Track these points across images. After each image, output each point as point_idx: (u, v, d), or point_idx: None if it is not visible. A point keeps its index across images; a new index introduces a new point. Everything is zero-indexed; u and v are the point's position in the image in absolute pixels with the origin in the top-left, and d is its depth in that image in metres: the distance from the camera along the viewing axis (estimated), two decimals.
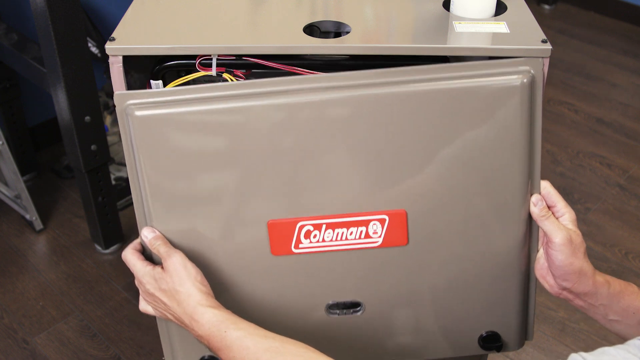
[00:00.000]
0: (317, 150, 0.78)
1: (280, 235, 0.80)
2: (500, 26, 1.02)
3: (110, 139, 2.20)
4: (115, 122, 2.26)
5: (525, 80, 0.76)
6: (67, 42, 1.61)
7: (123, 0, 1.15)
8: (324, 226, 0.80)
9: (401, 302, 0.86)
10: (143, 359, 1.71)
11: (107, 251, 2.01)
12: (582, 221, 2.15)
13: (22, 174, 2.14)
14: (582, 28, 3.27)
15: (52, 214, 2.15)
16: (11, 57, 1.92)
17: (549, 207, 0.82)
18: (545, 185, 0.83)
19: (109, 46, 0.98)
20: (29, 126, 2.26)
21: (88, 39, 2.02)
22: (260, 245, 0.81)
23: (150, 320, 1.79)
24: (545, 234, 0.83)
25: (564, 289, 0.84)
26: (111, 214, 1.95)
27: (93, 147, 1.79)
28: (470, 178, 0.80)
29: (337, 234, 0.80)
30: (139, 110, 0.75)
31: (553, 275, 0.84)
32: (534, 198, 0.82)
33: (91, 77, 1.70)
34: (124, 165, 2.18)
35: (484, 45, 0.99)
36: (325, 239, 0.80)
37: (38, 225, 2.08)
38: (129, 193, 2.10)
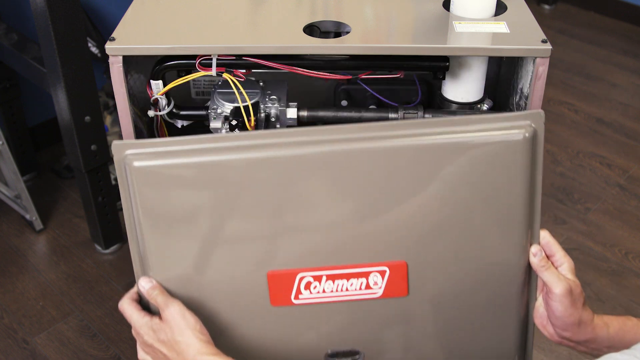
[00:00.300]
0: (316, 201, 0.77)
1: (280, 286, 0.80)
2: (500, 26, 1.02)
3: (110, 139, 2.20)
4: (115, 122, 2.26)
5: (527, 135, 0.76)
6: (67, 42, 1.60)
7: (123, 0, 1.15)
8: (324, 277, 0.80)
9: (400, 349, 0.86)
10: None
11: (107, 251, 2.01)
12: (582, 221, 2.15)
13: (22, 174, 2.14)
14: (582, 28, 3.26)
15: (52, 214, 2.15)
16: (11, 57, 1.92)
17: (547, 257, 0.83)
18: (544, 235, 0.83)
19: (109, 46, 0.98)
20: (29, 126, 2.26)
21: (88, 39, 2.02)
22: (260, 296, 0.80)
23: None
24: (545, 284, 0.83)
25: (564, 337, 0.84)
26: (111, 214, 1.95)
27: (93, 147, 1.79)
28: (470, 230, 0.80)
29: (338, 285, 0.80)
30: (138, 161, 0.74)
31: (553, 324, 0.84)
32: (534, 249, 0.82)
33: (91, 77, 1.70)
34: None
35: (484, 45, 0.99)
36: (326, 289, 0.80)
37: (38, 225, 2.08)
38: None
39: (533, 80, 0.99)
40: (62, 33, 1.59)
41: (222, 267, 0.79)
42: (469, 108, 1.09)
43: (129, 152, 0.75)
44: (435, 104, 1.15)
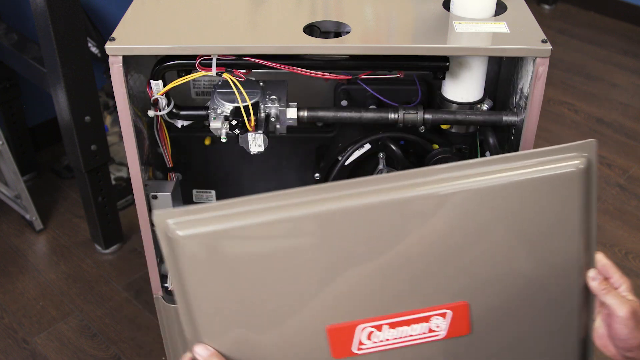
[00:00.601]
0: (374, 252, 0.76)
1: (340, 338, 0.78)
2: (500, 26, 1.02)
3: (110, 139, 2.20)
4: (115, 122, 2.26)
5: (582, 166, 0.77)
6: (67, 42, 1.60)
7: (123, 0, 1.15)
8: (385, 327, 0.79)
9: None
10: (143, 359, 1.71)
11: (107, 251, 2.01)
12: None
13: (22, 174, 2.14)
14: (582, 28, 3.26)
15: (52, 214, 2.15)
16: (11, 57, 1.92)
17: (605, 279, 0.83)
18: (600, 258, 0.83)
19: (109, 46, 0.98)
20: (29, 126, 2.26)
21: (88, 39, 2.02)
22: (320, 350, 0.79)
23: (150, 320, 1.80)
24: (606, 307, 0.82)
25: (629, 358, 0.84)
26: (111, 214, 1.95)
27: (93, 147, 1.79)
28: (529, 262, 0.80)
29: (399, 331, 0.79)
30: (182, 230, 0.71)
31: (616, 346, 0.83)
32: (592, 273, 0.82)
33: (91, 77, 1.70)
34: (124, 165, 2.18)
35: (484, 45, 0.99)
36: (388, 337, 0.79)
37: (38, 225, 2.08)
38: (129, 193, 2.10)
39: (533, 80, 0.99)
40: (62, 33, 1.59)
41: (280, 326, 0.78)
42: (469, 108, 1.09)
43: (171, 221, 0.71)
44: (435, 104, 1.15)
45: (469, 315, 0.80)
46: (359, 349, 0.79)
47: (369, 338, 0.79)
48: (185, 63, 1.03)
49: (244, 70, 1.05)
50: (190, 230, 0.71)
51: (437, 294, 0.79)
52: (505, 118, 1.08)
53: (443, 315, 0.80)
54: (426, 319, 0.80)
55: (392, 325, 0.79)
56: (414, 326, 0.79)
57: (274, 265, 0.75)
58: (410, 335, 0.80)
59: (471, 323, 0.81)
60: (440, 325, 0.80)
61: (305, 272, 0.76)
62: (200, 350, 0.78)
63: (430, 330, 0.80)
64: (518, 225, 0.78)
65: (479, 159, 0.77)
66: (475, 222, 0.77)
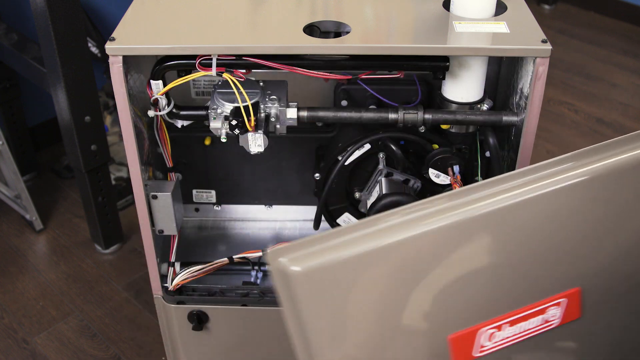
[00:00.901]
0: (493, 254, 0.76)
1: (462, 345, 0.78)
2: (500, 26, 1.02)
3: (110, 139, 2.20)
4: (115, 122, 2.26)
5: None
6: (67, 42, 1.60)
7: (123, 0, 1.15)
8: (505, 325, 0.79)
9: None
10: (143, 359, 1.71)
11: (107, 251, 2.01)
12: None
13: (22, 174, 2.14)
14: (582, 28, 3.26)
15: (52, 214, 2.15)
16: (11, 57, 1.92)
17: None
18: None
19: (109, 46, 0.98)
20: (29, 126, 2.26)
21: (88, 39, 2.02)
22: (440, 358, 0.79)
23: (150, 320, 1.80)
24: None
25: None
26: (111, 214, 1.95)
27: (93, 147, 1.79)
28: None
29: (518, 327, 0.80)
30: (296, 265, 0.70)
31: None
32: None
33: (91, 77, 1.70)
34: (124, 165, 2.18)
35: (484, 45, 0.99)
36: (507, 336, 0.79)
37: (38, 225, 2.08)
38: (129, 193, 2.10)
39: (533, 80, 0.99)
40: (62, 33, 1.59)
41: (402, 346, 0.77)
42: (469, 108, 1.09)
43: (283, 259, 0.70)
44: (435, 104, 1.15)
45: (581, 299, 0.80)
46: (480, 351, 0.79)
47: (489, 339, 0.79)
48: (185, 63, 1.03)
49: (244, 70, 1.05)
50: (307, 264, 0.70)
51: (553, 284, 0.80)
52: (505, 118, 1.08)
53: (558, 304, 0.80)
54: (543, 311, 0.80)
55: (512, 323, 0.79)
56: (532, 320, 0.80)
57: (389, 285, 0.74)
58: (528, 329, 0.80)
59: (582, 307, 0.81)
60: (555, 314, 0.80)
61: (424, 285, 0.75)
62: None
63: (546, 321, 0.80)
64: (631, 206, 0.78)
65: (596, 145, 0.77)
66: (593, 207, 0.77)
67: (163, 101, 1.07)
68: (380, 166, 1.15)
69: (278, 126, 1.09)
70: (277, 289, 0.71)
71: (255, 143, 1.05)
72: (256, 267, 1.27)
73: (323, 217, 1.24)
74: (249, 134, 1.04)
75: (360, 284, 0.73)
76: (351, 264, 0.72)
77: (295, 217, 1.39)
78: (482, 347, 0.79)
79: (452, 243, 0.74)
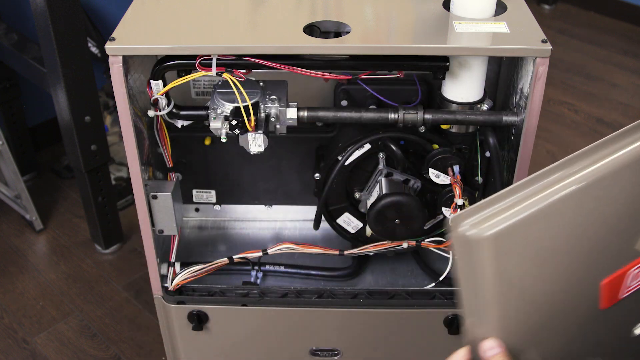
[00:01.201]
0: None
1: (612, 289, 0.79)
2: (500, 26, 1.02)
3: (110, 139, 2.20)
4: (115, 122, 2.26)
5: None
6: (67, 42, 1.60)
7: (123, 0, 1.15)
8: None
9: None
10: (143, 359, 1.71)
11: (107, 251, 2.01)
12: None
13: (22, 174, 2.14)
14: (582, 28, 3.26)
15: (52, 214, 2.15)
16: (11, 57, 1.92)
17: None
18: None
19: (109, 46, 0.98)
20: (29, 126, 2.26)
21: (88, 39, 2.02)
22: (588, 307, 0.79)
23: (150, 320, 1.80)
24: None
25: None
26: (111, 214, 1.95)
27: (93, 147, 1.79)
28: None
29: None
30: (486, 231, 0.70)
31: None
32: None
33: (91, 77, 1.70)
34: (124, 165, 2.18)
35: (484, 45, 0.99)
36: None
37: (38, 225, 2.08)
38: (129, 193, 2.10)
39: (533, 80, 0.99)
40: (62, 33, 1.59)
41: (563, 297, 0.78)
42: (469, 108, 1.09)
43: (465, 223, 0.70)
44: (435, 104, 1.15)
45: None
46: (626, 292, 0.79)
47: (635, 278, 0.79)
48: (185, 63, 1.03)
49: (244, 70, 1.05)
50: (494, 229, 0.70)
51: None
52: (505, 118, 1.08)
53: None
54: None
55: None
56: None
57: (561, 240, 0.75)
58: None
59: None
60: None
61: (585, 236, 0.75)
62: (490, 344, 0.75)
63: None
64: None
65: None
66: None
67: (163, 101, 1.07)
68: (380, 166, 1.15)
69: (278, 126, 1.09)
70: (458, 257, 0.71)
71: (255, 143, 1.05)
72: (256, 267, 1.27)
73: (323, 217, 1.24)
74: (249, 134, 1.04)
75: (537, 241, 0.73)
76: (530, 222, 0.72)
77: (295, 217, 1.39)
78: (628, 287, 0.79)
79: (608, 194, 0.74)
